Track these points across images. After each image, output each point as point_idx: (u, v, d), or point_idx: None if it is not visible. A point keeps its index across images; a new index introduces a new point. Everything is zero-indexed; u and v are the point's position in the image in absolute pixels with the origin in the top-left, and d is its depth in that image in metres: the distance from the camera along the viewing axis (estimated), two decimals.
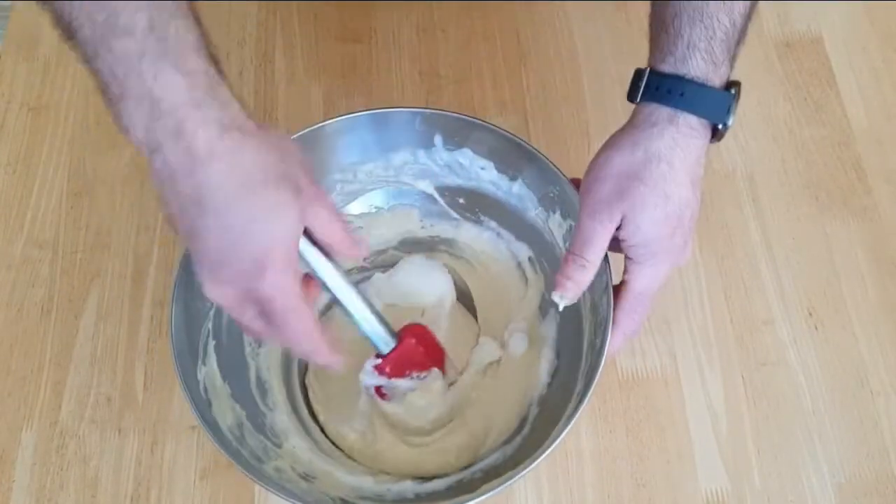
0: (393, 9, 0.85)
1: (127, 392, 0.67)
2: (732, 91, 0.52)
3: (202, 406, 0.54)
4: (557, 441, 0.51)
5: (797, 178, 0.75)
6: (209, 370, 0.58)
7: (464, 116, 0.61)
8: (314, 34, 0.84)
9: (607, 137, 0.54)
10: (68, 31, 0.39)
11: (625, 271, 0.54)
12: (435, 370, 0.61)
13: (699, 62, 0.50)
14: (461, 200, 0.67)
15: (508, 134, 0.60)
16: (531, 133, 0.77)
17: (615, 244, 0.53)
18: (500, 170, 0.63)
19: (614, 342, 0.54)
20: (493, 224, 0.68)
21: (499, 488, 0.51)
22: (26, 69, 0.82)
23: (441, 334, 0.64)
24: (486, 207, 0.67)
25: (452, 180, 0.66)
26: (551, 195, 0.61)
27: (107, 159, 0.77)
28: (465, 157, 0.63)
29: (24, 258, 0.73)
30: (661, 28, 0.51)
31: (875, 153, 0.76)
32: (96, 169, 0.77)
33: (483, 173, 0.64)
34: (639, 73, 0.52)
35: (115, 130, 0.78)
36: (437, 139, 0.62)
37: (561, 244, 0.62)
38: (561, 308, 0.54)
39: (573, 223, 0.58)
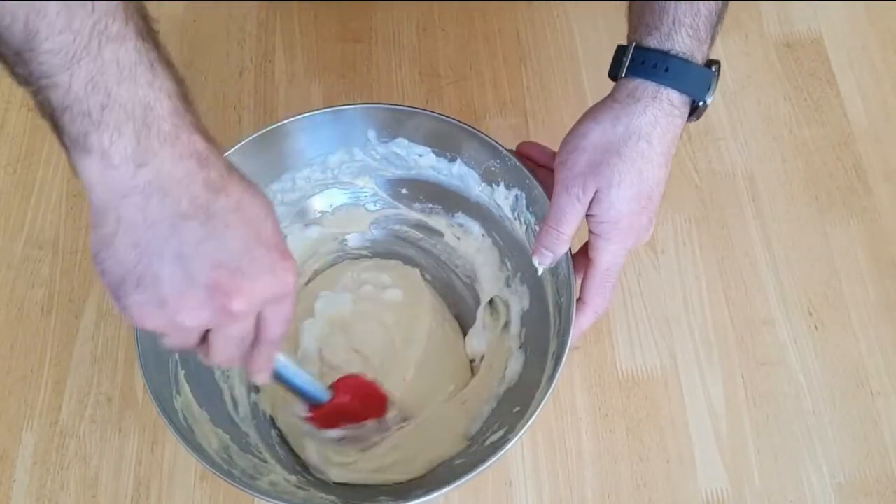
0: (393, 9, 0.85)
1: (127, 392, 0.67)
2: (713, 69, 0.52)
3: (186, 433, 0.53)
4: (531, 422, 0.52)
5: (797, 177, 0.75)
6: (185, 399, 0.57)
7: (393, 106, 0.61)
8: (314, 34, 0.84)
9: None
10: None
11: (590, 248, 0.55)
12: (370, 422, 0.60)
13: (684, 38, 0.50)
14: (404, 191, 0.68)
15: (441, 115, 0.60)
16: (531, 132, 0.77)
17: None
18: (437, 153, 0.63)
19: (585, 320, 0.55)
20: (440, 208, 0.68)
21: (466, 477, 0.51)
22: None
23: (427, 362, 0.65)
24: (431, 194, 0.67)
25: (392, 172, 0.66)
26: (493, 169, 0.61)
27: None
28: (401, 146, 0.63)
29: (24, 258, 0.73)
30: (644, 5, 0.52)
31: (875, 153, 0.76)
32: None
33: (422, 160, 0.64)
34: (622, 49, 0.52)
35: None
36: (371, 133, 0.62)
37: (510, 215, 0.63)
38: (540, 272, 0.57)
39: (519, 192, 0.60)
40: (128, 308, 0.39)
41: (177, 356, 0.57)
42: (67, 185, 0.76)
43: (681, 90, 0.50)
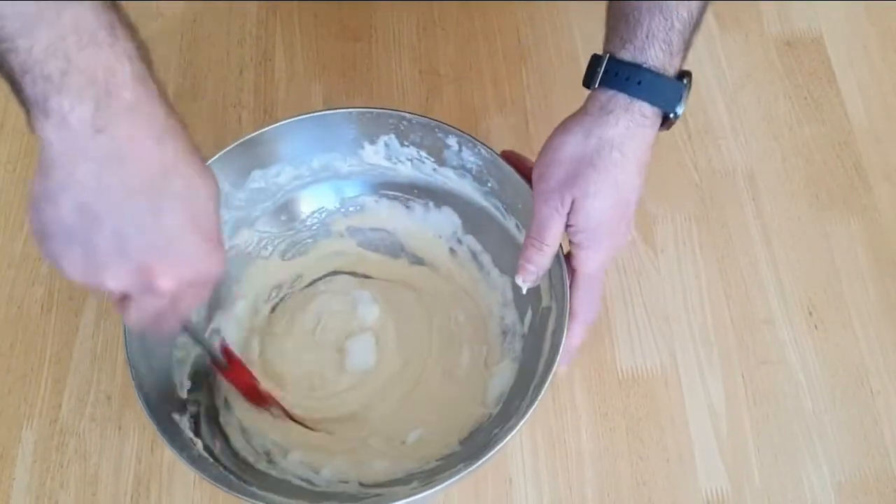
0: (393, 7, 0.85)
1: (127, 390, 0.67)
2: (685, 81, 0.53)
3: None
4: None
5: (797, 176, 0.75)
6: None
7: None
8: (314, 33, 0.84)
9: None
10: None
11: (572, 259, 0.56)
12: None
13: (657, 52, 0.51)
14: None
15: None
16: (531, 131, 0.77)
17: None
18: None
19: (575, 333, 0.56)
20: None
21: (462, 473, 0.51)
22: None
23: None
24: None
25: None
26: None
27: None
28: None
29: (24, 256, 0.73)
30: (620, 16, 0.52)
31: (875, 152, 0.76)
32: None
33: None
34: (596, 59, 0.53)
35: None
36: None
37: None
38: (524, 291, 0.57)
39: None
40: (53, 257, 0.41)
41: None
42: None
43: (652, 103, 0.51)
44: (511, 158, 0.60)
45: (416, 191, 0.68)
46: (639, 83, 0.51)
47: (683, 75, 0.53)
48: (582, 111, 0.53)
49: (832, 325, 0.69)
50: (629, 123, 0.51)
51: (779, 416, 0.66)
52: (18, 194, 0.76)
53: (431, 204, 0.68)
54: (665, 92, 0.51)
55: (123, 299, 0.44)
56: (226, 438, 0.61)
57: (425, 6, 0.85)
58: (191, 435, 0.56)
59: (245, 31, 0.84)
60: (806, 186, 0.75)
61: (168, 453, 0.65)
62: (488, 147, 0.60)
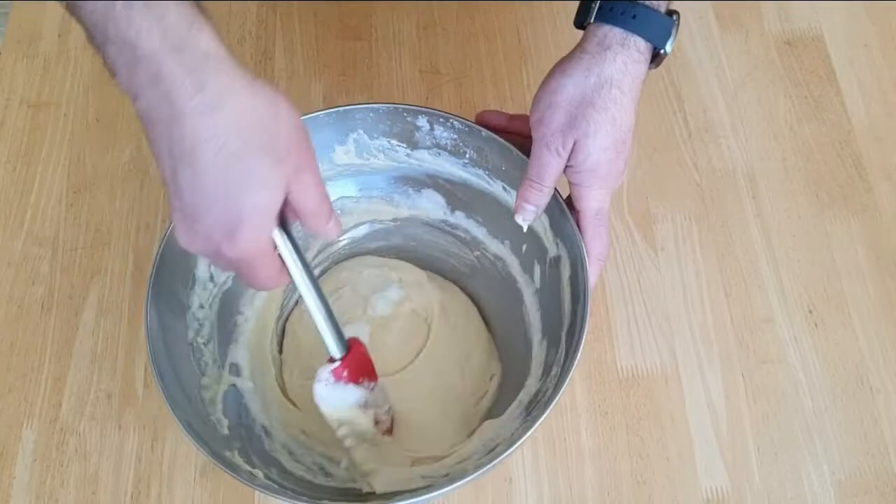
0: (393, 6, 0.85)
1: (127, 389, 0.67)
2: (674, 17, 0.54)
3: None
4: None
5: (797, 175, 0.75)
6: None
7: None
8: (314, 32, 0.84)
9: None
10: None
11: (574, 199, 0.57)
12: (380, 382, 0.61)
13: None
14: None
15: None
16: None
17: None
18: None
19: (592, 271, 0.56)
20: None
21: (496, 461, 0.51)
22: (26, 66, 0.82)
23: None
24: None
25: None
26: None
27: (107, 156, 0.77)
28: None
29: (24, 255, 0.73)
30: None
31: (875, 151, 0.76)
32: (96, 166, 0.77)
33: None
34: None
35: (115, 127, 0.78)
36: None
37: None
38: (525, 229, 0.59)
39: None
40: (226, 225, 0.41)
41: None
42: (67, 183, 0.76)
43: (646, 38, 0.52)
44: (487, 119, 0.61)
45: (392, 181, 0.67)
46: (633, 17, 0.52)
47: (672, 13, 0.54)
48: (578, 49, 0.54)
49: (832, 323, 0.69)
50: (626, 59, 0.52)
51: (779, 414, 0.66)
52: (18, 193, 0.76)
53: (411, 190, 0.68)
54: (658, 27, 0.52)
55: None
56: (278, 463, 0.60)
57: (425, 5, 0.85)
58: (249, 468, 0.55)
59: (245, 30, 0.84)
60: (806, 185, 0.75)
61: (168, 451, 0.65)
62: (460, 117, 0.60)
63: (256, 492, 0.64)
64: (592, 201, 0.56)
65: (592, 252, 0.57)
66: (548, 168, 0.54)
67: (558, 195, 0.57)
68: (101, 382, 0.67)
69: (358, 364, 0.57)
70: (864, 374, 0.67)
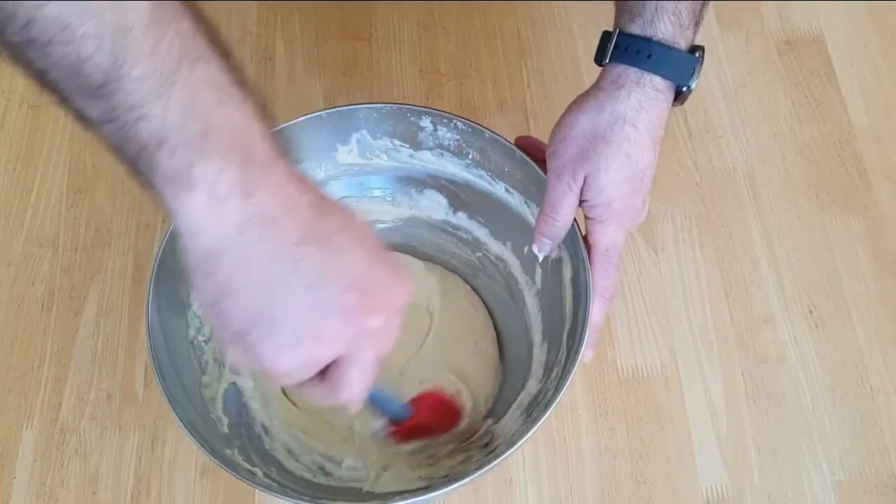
0: (393, 6, 0.85)
1: (127, 389, 0.67)
2: (697, 55, 0.53)
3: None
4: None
5: (798, 175, 0.75)
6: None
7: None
8: (314, 31, 0.84)
9: None
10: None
11: (588, 233, 0.56)
12: (444, 436, 0.61)
13: (667, 24, 0.51)
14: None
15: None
16: (532, 130, 0.77)
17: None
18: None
19: (596, 310, 0.56)
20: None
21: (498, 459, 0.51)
22: None
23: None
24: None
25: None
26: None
27: (107, 156, 0.76)
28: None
29: (24, 255, 0.73)
30: None
31: (875, 151, 0.76)
32: (96, 166, 0.77)
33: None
34: (607, 36, 0.53)
35: None
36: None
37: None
38: (540, 259, 0.60)
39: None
40: (262, 355, 0.36)
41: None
42: (67, 183, 0.76)
43: (663, 76, 0.52)
44: (526, 144, 0.60)
45: (395, 181, 0.67)
46: (649, 56, 0.51)
47: (696, 49, 0.53)
48: (595, 87, 0.54)
49: (832, 323, 0.69)
50: (641, 97, 0.52)
51: (779, 414, 0.66)
52: (18, 193, 0.76)
53: (413, 191, 0.67)
54: (676, 64, 0.52)
55: (322, 377, 0.40)
56: (277, 462, 0.60)
57: (426, 5, 0.85)
58: (248, 467, 0.55)
59: (245, 30, 0.84)
60: (806, 185, 0.75)
61: (168, 451, 0.65)
62: (463, 118, 0.60)
63: (256, 492, 0.64)
64: (605, 237, 0.55)
65: (598, 288, 0.56)
66: (560, 200, 0.54)
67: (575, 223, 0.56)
68: (102, 382, 0.67)
69: (410, 430, 0.59)
70: (864, 374, 0.67)
